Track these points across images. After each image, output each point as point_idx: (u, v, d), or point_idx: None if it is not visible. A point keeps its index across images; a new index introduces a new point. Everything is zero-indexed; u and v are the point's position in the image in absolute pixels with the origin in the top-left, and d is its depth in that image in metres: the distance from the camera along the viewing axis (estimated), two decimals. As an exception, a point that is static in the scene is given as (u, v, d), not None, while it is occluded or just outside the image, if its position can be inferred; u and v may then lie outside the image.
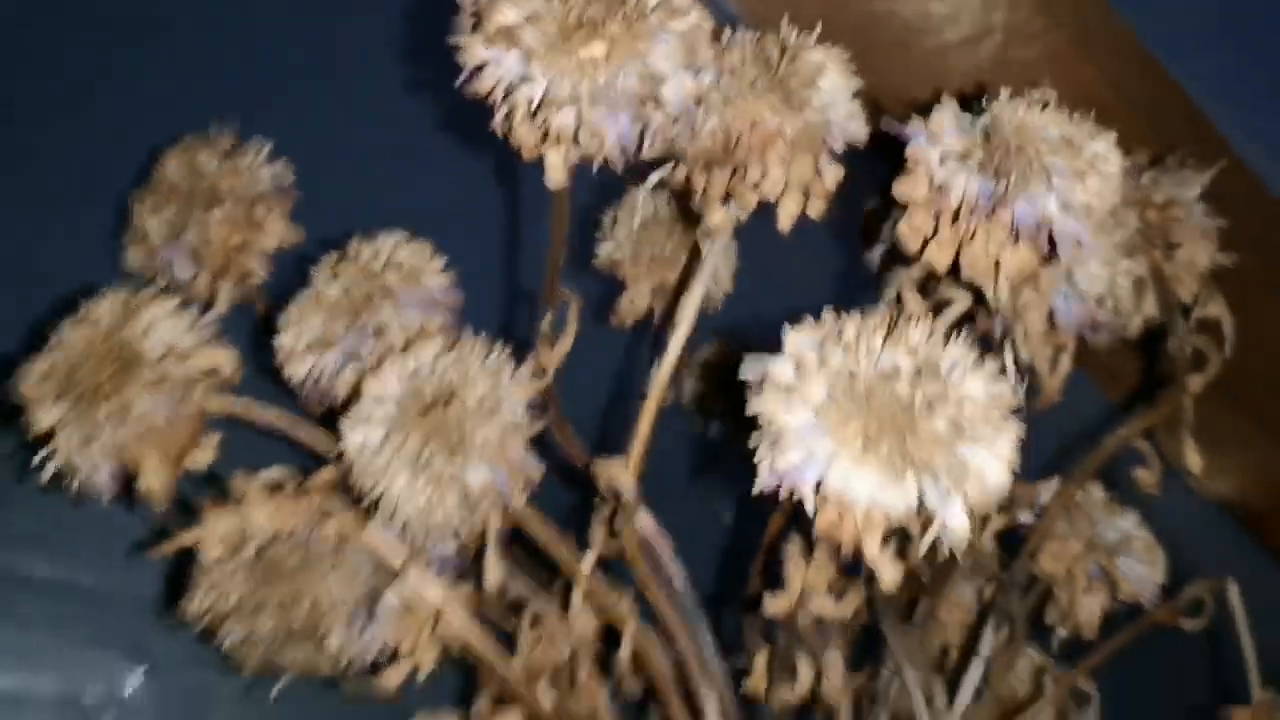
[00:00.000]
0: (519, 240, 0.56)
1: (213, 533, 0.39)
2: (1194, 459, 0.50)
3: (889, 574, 0.32)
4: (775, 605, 0.38)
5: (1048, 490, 0.50)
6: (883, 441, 0.30)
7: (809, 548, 0.38)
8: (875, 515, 0.31)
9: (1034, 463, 0.53)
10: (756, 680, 0.41)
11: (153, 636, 0.52)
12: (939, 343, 0.31)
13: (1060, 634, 0.51)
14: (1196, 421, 0.92)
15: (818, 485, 0.31)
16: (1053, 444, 0.53)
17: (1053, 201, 0.33)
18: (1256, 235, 0.83)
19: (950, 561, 0.50)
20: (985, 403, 0.31)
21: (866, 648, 0.48)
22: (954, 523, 0.30)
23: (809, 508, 0.31)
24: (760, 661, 0.41)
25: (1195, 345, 0.51)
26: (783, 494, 0.31)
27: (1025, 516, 0.51)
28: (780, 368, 0.31)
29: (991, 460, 0.30)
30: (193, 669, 0.52)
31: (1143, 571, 0.50)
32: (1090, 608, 0.50)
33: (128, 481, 0.39)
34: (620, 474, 0.40)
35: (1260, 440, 0.91)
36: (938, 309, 0.43)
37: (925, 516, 0.31)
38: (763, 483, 0.31)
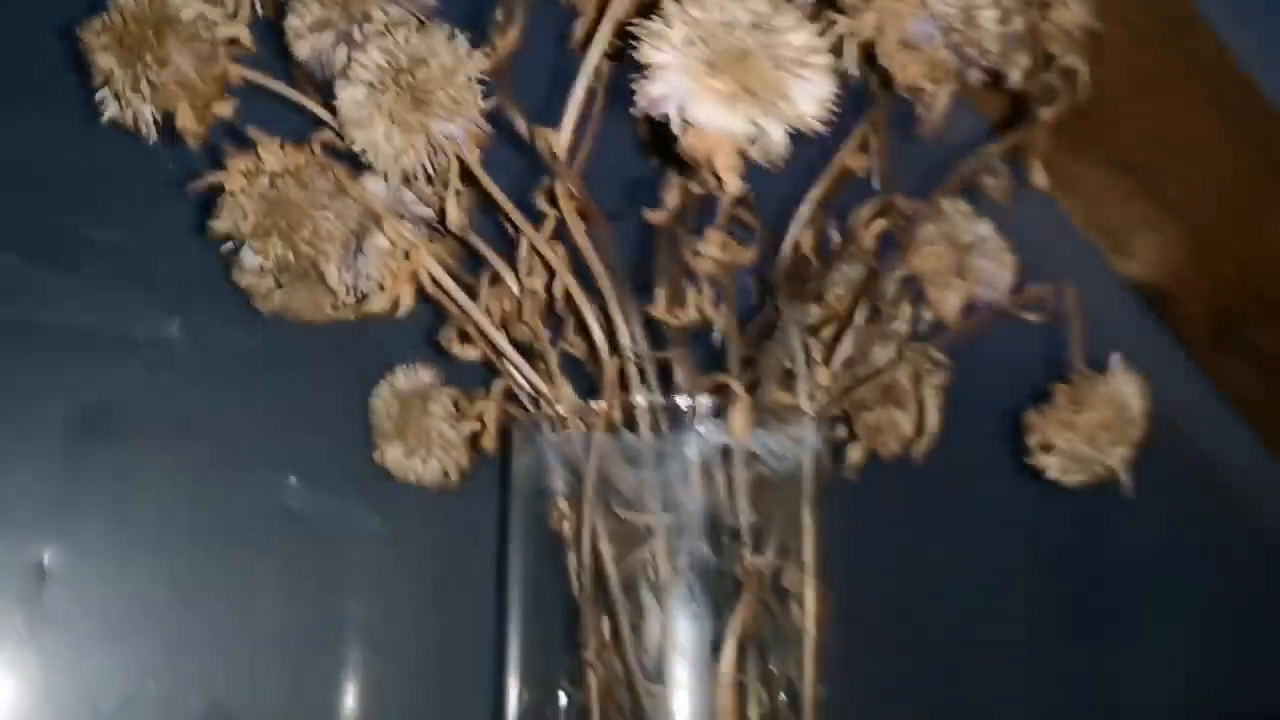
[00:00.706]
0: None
1: (234, 170, 0.51)
2: (1040, 178, 0.60)
3: (732, 185, 0.42)
4: (655, 217, 0.49)
5: (922, 202, 0.61)
6: (725, 75, 0.41)
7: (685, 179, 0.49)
8: (721, 136, 0.41)
9: (912, 178, 0.63)
10: (659, 307, 0.52)
11: (192, 296, 0.64)
12: (776, 5, 0.41)
13: (927, 321, 0.62)
14: (1132, 212, 1.03)
15: (681, 114, 0.42)
16: (929, 164, 0.64)
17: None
18: (1174, 39, 0.93)
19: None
20: (804, 49, 0.41)
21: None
22: (775, 137, 0.41)
23: (675, 130, 0.42)
24: (661, 292, 0.52)
25: (1053, 85, 0.60)
26: (655, 117, 0.42)
27: (902, 224, 0.61)
28: (654, 22, 0.42)
29: (806, 92, 0.41)
30: (223, 324, 0.64)
31: (994, 269, 0.61)
32: (951, 299, 0.61)
33: (169, 125, 0.50)
34: (554, 138, 0.51)
35: (1176, 229, 1.03)
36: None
37: (757, 137, 0.41)
38: (639, 108, 0.42)
